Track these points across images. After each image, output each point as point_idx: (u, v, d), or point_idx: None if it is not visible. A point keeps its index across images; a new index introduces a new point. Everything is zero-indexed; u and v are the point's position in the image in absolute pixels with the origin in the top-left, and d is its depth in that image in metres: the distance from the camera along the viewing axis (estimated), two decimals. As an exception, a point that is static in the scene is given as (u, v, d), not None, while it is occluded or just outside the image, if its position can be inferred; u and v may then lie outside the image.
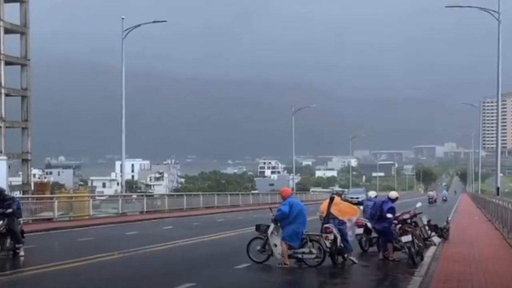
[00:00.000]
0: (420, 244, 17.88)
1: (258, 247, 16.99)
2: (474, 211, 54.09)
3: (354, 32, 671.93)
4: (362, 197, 57.93)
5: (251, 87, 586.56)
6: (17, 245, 18.35)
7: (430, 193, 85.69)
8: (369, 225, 19.44)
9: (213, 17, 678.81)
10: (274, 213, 16.90)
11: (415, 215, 19.07)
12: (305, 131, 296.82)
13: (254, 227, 17.70)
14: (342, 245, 16.82)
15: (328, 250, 16.44)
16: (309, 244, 16.36)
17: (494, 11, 42.28)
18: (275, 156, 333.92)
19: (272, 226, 16.80)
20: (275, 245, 16.57)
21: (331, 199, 17.93)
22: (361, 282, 15.57)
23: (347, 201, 39.31)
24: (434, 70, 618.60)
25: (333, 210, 17.59)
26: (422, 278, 14.47)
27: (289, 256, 16.44)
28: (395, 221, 18.16)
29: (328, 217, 17.45)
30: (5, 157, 35.80)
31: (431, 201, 75.34)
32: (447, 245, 22.12)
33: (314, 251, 16.27)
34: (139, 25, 47.51)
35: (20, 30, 73.90)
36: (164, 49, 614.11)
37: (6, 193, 19.23)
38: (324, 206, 17.91)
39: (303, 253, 16.34)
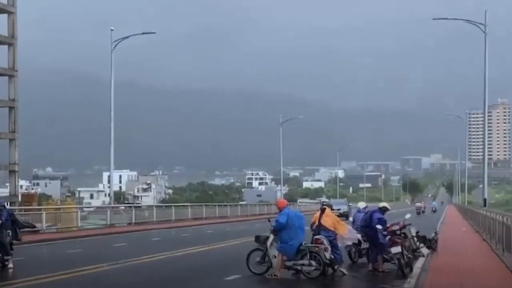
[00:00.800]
0: (410, 256, 17.93)
1: (258, 258, 16.94)
2: (461, 222, 54.32)
3: (342, 44, 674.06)
4: (343, 208, 57.37)
5: (239, 97, 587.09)
6: (5, 257, 18.24)
7: (418, 204, 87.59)
8: (358, 236, 19.47)
9: (200, 27, 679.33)
10: (273, 224, 16.92)
11: (404, 227, 19.14)
12: (293, 143, 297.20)
13: (254, 238, 17.65)
14: (332, 256, 16.84)
15: (327, 262, 16.45)
16: (308, 256, 16.35)
17: (481, 24, 42.62)
18: (262, 167, 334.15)
19: (271, 237, 16.78)
20: (274, 257, 16.54)
21: (322, 211, 18.02)
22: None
23: None
24: (420, 82, 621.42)
25: (324, 222, 17.65)
26: (412, 290, 14.52)
27: (288, 268, 16.40)
28: (385, 232, 18.21)
29: (319, 228, 17.53)
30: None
31: (419, 212, 76.60)
32: (435, 256, 22.19)
33: (313, 263, 16.25)
34: (127, 37, 47.53)
35: (7, 41, 73.64)
36: (152, 59, 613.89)
37: None
38: (315, 217, 18.00)
39: (303, 264, 16.31)
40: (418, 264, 19.34)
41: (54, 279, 16.04)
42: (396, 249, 17.33)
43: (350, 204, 67.86)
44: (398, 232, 18.56)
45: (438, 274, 17.26)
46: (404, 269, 17.19)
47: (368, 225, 18.26)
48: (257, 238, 17.40)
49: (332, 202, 60.75)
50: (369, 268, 18.33)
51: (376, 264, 18.17)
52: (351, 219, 19.88)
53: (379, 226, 17.98)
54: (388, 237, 18.09)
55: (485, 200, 43.53)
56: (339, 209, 51.42)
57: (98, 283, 15.99)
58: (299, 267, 16.36)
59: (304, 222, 17.02)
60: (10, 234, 18.72)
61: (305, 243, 16.60)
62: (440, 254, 22.83)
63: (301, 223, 16.74)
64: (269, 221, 17.49)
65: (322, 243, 16.75)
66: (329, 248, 16.78)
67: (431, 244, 23.64)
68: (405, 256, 17.41)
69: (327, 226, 17.58)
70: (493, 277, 16.80)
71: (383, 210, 18.50)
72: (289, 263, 16.36)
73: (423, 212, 79.24)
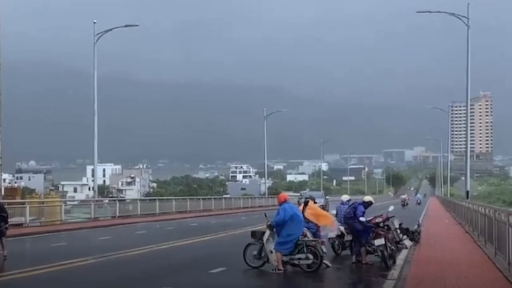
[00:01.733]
0: (393, 248, 18.06)
1: (255, 253, 16.97)
2: (444, 214, 54.72)
3: (326, 35, 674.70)
4: (320, 201, 54.03)
5: (223, 91, 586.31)
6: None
7: (403, 196, 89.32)
8: (341, 229, 19.61)
9: (184, 19, 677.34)
10: (269, 218, 16.95)
11: (387, 219, 19.28)
12: (277, 136, 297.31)
13: (250, 233, 17.67)
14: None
15: (324, 255, 16.54)
16: (306, 249, 16.42)
17: (464, 17, 42.88)
18: (246, 161, 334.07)
19: (267, 232, 16.79)
20: (271, 252, 16.56)
21: (306, 203, 18.21)
22: (336, 285, 15.76)
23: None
24: (402, 74, 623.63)
25: (308, 215, 17.81)
26: (395, 282, 14.64)
27: (286, 262, 16.43)
28: (369, 224, 18.35)
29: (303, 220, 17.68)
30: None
31: (404, 204, 78.20)
32: (418, 248, 22.39)
33: (310, 256, 16.31)
34: (111, 29, 47.27)
35: (-11, 33, 72.99)
36: (135, 53, 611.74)
37: None
38: (299, 210, 18.09)
39: (300, 259, 16.37)
40: (401, 256, 19.52)
41: (38, 273, 16.01)
42: (379, 241, 17.46)
43: (328, 197, 64.61)
44: (381, 225, 18.70)
45: (421, 265, 17.41)
46: (387, 261, 17.32)
47: (351, 217, 18.42)
48: (253, 234, 17.41)
49: (308, 194, 55.41)
50: (353, 260, 18.46)
51: (360, 256, 18.32)
52: (333, 211, 19.99)
53: (362, 218, 18.13)
54: (372, 229, 18.25)
55: (467, 192, 43.87)
56: (316, 203, 51.54)
57: (83, 277, 15.97)
58: (296, 261, 16.43)
59: (302, 217, 17.10)
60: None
61: (301, 238, 16.67)
62: (423, 246, 23.04)
63: (298, 217, 16.78)
64: (265, 215, 17.53)
65: (305, 235, 16.86)
66: (325, 241, 16.91)
67: (414, 236, 23.87)
68: (388, 248, 17.54)
69: (310, 219, 17.77)
70: (475, 268, 16.97)
71: (368, 204, 18.63)
72: (286, 258, 16.42)
73: (407, 204, 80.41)
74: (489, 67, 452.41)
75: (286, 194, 18.23)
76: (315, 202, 18.99)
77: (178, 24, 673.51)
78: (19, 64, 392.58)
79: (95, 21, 46.08)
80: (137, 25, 51.54)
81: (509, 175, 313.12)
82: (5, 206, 21.24)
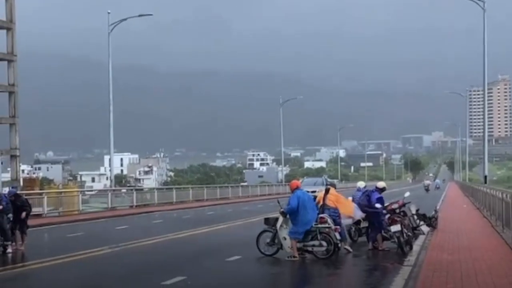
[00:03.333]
0: (409, 234, 17.98)
1: (268, 240, 16.95)
2: (462, 199, 54.42)
3: (343, 25, 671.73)
4: (320, 190, 42.28)
5: (240, 79, 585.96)
6: (5, 242, 18.33)
7: (427, 182, 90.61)
8: (363, 214, 19.55)
9: (202, 10, 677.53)
10: (282, 205, 16.93)
11: (403, 205, 19.22)
12: (294, 123, 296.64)
13: (260, 219, 17.69)
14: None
15: (338, 242, 16.51)
16: (319, 237, 16.38)
17: (480, 0, 42.47)
18: (263, 148, 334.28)
19: (281, 219, 16.75)
20: (285, 238, 16.55)
21: (327, 190, 18.26)
22: (352, 272, 15.73)
23: None
24: (421, 61, 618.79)
25: (328, 201, 17.85)
26: (412, 267, 14.58)
27: (299, 249, 16.42)
28: (384, 211, 18.31)
29: (323, 207, 17.70)
30: (-2, 154, 35.56)
31: (427, 189, 79.03)
32: (435, 234, 22.28)
33: (324, 243, 16.29)
34: (125, 19, 47.31)
35: (6, 25, 73.35)
36: (152, 43, 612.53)
37: None
38: (319, 197, 18.21)
39: (313, 245, 16.35)
40: (418, 242, 19.44)
41: (54, 263, 16.11)
42: (395, 228, 17.39)
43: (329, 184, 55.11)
44: (397, 211, 18.64)
45: (437, 251, 17.32)
46: (403, 247, 17.25)
47: (366, 205, 18.38)
48: (267, 220, 17.42)
49: (306, 181, 49.22)
50: (369, 247, 18.43)
51: (376, 243, 18.27)
52: (350, 198, 19.94)
53: (378, 205, 18.07)
54: (387, 215, 18.19)
55: (485, 177, 43.57)
56: (314, 191, 40.80)
57: (99, 266, 16.04)
58: (310, 248, 16.41)
59: (314, 203, 17.09)
60: (11, 219, 18.80)
61: (315, 224, 16.63)
62: (440, 232, 22.92)
63: (311, 204, 16.76)
64: (278, 202, 17.53)
65: (326, 221, 16.82)
66: (339, 228, 16.87)
67: (431, 222, 23.78)
68: (404, 234, 17.47)
69: (330, 205, 17.79)
70: (492, 253, 16.85)
71: (381, 190, 18.60)
72: (299, 245, 16.40)
73: (437, 188, 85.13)
74: (507, 50, 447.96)
75: (298, 181, 18.19)
76: (335, 188, 19.02)
77: (195, 15, 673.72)
78: (36, 56, 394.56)
79: (109, 11, 46.09)
80: (151, 14, 51.59)
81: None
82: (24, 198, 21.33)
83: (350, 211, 18.56)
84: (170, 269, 14.84)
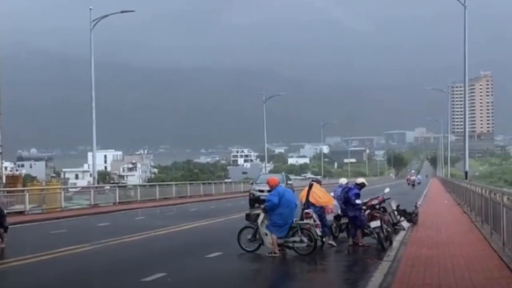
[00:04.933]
0: (389, 229, 18.14)
1: (249, 236, 17.02)
2: (444, 195, 54.83)
3: (325, 17, 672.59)
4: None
5: (223, 75, 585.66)
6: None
7: (413, 177, 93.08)
8: (339, 212, 19.70)
9: (180, 6, 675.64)
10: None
11: (383, 201, 19.39)
12: (277, 119, 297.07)
13: (242, 215, 17.75)
14: (321, 230, 17.05)
15: (319, 238, 16.60)
16: (300, 233, 16.48)
17: (460, -4, 42.76)
18: (247, 145, 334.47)
19: (262, 215, 16.82)
20: (266, 234, 16.60)
21: (310, 186, 18.36)
22: (332, 267, 15.87)
23: (253, 195, 36.16)
24: (403, 55, 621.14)
25: (311, 198, 17.97)
26: (391, 263, 14.72)
27: (280, 245, 16.50)
28: (364, 207, 18.47)
29: (308, 203, 17.85)
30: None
31: (414, 184, 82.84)
32: (416, 229, 22.48)
33: (305, 239, 16.37)
34: (107, 16, 47.14)
35: (-14, 22, 72.89)
36: (133, 38, 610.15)
37: None
38: (304, 193, 18.37)
39: (294, 241, 16.43)
40: (398, 237, 19.63)
41: (34, 260, 16.07)
42: (375, 223, 17.55)
43: (290, 181, 48.47)
44: (377, 207, 18.81)
45: (417, 246, 17.50)
46: (383, 243, 17.42)
47: (345, 201, 18.52)
48: (248, 216, 17.47)
49: (261, 178, 42.84)
50: (349, 243, 18.57)
51: (356, 239, 18.42)
52: (332, 194, 20.06)
53: (358, 201, 18.23)
54: (367, 211, 18.35)
55: (466, 173, 43.90)
56: (270, 190, 33.73)
57: (79, 263, 16.04)
58: (290, 244, 16.49)
59: (296, 199, 17.20)
60: None
61: (295, 220, 16.71)
62: (421, 227, 23.13)
63: (292, 200, 16.83)
64: (259, 199, 17.63)
65: (311, 217, 16.95)
66: (320, 224, 17.00)
67: (411, 217, 24.00)
68: (384, 230, 17.64)
69: (314, 202, 17.90)
70: (470, 248, 17.05)
71: (361, 186, 18.74)
72: (280, 241, 16.47)
73: (418, 183, 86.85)
74: (489, 47, 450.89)
75: (276, 178, 18.31)
76: (321, 185, 19.12)
77: (177, 11, 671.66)
78: (19, 53, 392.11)
79: (91, 7, 45.91)
80: (133, 11, 51.46)
81: (511, 155, 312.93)
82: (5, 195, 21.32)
83: (332, 203, 18.63)
84: (151, 266, 14.88)
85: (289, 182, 45.47)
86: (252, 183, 49.09)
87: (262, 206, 16.96)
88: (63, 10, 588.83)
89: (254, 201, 39.39)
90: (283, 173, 55.98)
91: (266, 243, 16.64)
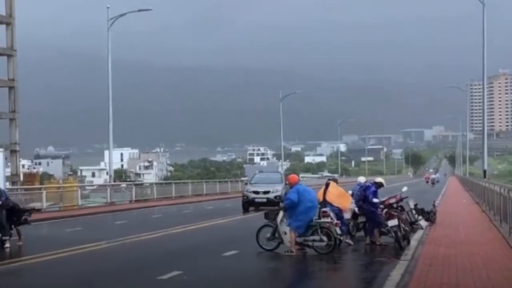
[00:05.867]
0: (406, 228, 17.99)
1: (268, 235, 16.91)
2: (462, 194, 54.43)
3: (342, 18, 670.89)
4: (276, 191, 33.65)
5: (240, 73, 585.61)
6: (4, 238, 18.35)
7: (433, 176, 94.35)
8: (356, 210, 19.56)
9: (196, 5, 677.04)
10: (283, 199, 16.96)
11: (401, 200, 19.24)
12: (294, 118, 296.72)
13: (263, 214, 17.64)
14: (340, 228, 16.95)
15: (338, 236, 16.47)
16: (319, 231, 16.36)
17: (479, -6, 42.43)
18: (264, 143, 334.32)
19: (281, 213, 16.71)
20: (285, 233, 16.49)
21: (327, 185, 18.26)
22: (349, 266, 15.74)
23: (247, 197, 34.65)
24: (422, 53, 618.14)
25: (328, 197, 17.87)
26: (408, 262, 14.62)
27: (299, 244, 16.39)
28: (381, 206, 18.34)
29: (325, 202, 17.82)
30: (1, 149, 35.45)
31: (434, 183, 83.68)
32: (434, 228, 22.32)
33: (324, 238, 16.25)
34: (124, 14, 47.26)
35: (5, 20, 73.31)
36: (151, 38, 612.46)
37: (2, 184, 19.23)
38: (320, 192, 18.30)
39: (314, 240, 16.32)
40: (416, 236, 19.49)
41: (51, 258, 16.12)
42: (392, 222, 17.39)
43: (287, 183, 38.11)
44: (395, 206, 18.68)
45: (435, 245, 17.35)
46: (401, 242, 17.27)
47: (363, 200, 18.37)
48: (267, 215, 17.35)
49: (256, 178, 37.33)
50: (367, 242, 18.45)
51: (373, 238, 18.28)
52: (350, 192, 19.91)
53: (375, 200, 18.08)
54: (385, 210, 18.21)
55: (484, 171, 43.58)
56: (266, 192, 34.13)
57: (96, 261, 16.04)
58: (310, 243, 16.37)
59: (315, 197, 17.06)
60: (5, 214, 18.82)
61: (315, 219, 16.62)
62: (439, 226, 22.97)
63: (312, 198, 16.68)
64: (279, 197, 17.56)
65: (328, 215, 16.84)
66: (339, 223, 16.88)
67: (429, 216, 23.81)
68: (402, 229, 17.48)
69: (330, 201, 17.81)
70: (488, 247, 16.87)
71: (378, 185, 18.57)
72: (300, 239, 16.36)
73: (437, 181, 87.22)
74: (508, 45, 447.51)
75: (295, 176, 18.13)
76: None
77: (196, 10, 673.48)
78: (35, 52, 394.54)
79: (108, 6, 46.00)
80: (150, 9, 51.53)
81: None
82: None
83: (348, 205, 18.56)
84: (167, 264, 14.85)
85: (287, 182, 39.01)
86: (246, 183, 41.79)
87: (282, 204, 16.86)
88: (87, 9, 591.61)
89: (248, 204, 34.41)
90: (282, 173, 52.39)
91: (285, 242, 16.54)
